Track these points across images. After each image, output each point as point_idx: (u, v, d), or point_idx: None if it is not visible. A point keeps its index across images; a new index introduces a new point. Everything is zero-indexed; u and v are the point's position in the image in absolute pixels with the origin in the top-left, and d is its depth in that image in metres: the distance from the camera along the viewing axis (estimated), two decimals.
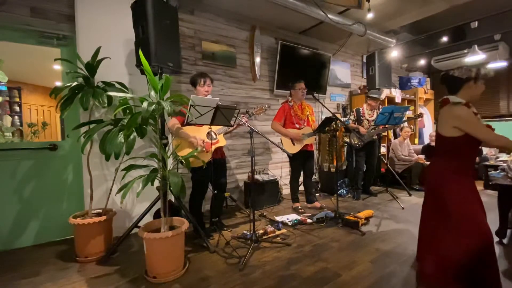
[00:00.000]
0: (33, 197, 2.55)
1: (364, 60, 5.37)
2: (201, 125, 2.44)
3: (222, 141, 2.66)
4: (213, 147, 2.53)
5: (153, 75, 1.94)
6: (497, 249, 2.24)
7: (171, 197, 2.69)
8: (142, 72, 2.41)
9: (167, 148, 2.30)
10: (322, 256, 2.20)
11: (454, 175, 1.63)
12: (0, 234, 2.43)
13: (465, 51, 5.34)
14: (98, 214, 2.36)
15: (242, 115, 2.74)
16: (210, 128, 2.47)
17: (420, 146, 5.32)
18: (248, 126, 2.46)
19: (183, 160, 2.11)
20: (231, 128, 2.75)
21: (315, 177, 4.51)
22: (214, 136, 2.58)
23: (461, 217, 1.55)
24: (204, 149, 2.48)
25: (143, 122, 2.00)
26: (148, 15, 2.27)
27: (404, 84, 6.21)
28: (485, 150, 5.12)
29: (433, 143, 5.01)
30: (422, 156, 4.71)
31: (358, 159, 4.00)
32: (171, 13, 2.47)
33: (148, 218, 2.38)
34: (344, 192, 4.16)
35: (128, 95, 2.20)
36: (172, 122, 2.50)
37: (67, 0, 2.63)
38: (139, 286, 1.85)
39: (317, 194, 4.17)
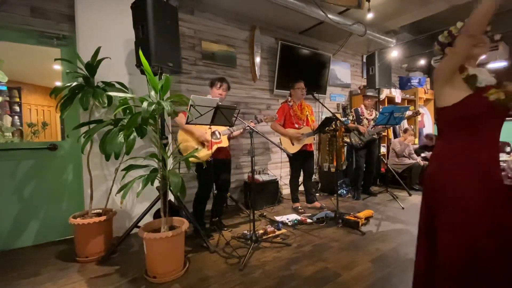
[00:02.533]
0: (33, 197, 2.55)
1: (364, 60, 5.37)
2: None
3: (224, 142, 2.67)
4: (214, 147, 2.55)
5: (153, 75, 1.94)
6: None
7: (171, 197, 2.69)
8: (142, 72, 2.41)
9: (167, 148, 2.30)
10: (322, 256, 2.20)
11: (452, 161, 1.24)
12: (0, 234, 2.43)
13: None
14: (98, 214, 2.36)
15: (250, 120, 2.79)
16: (210, 128, 2.47)
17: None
18: (248, 126, 2.46)
19: (182, 153, 2.12)
20: (237, 133, 2.79)
21: (315, 177, 4.51)
22: (218, 136, 2.61)
23: (454, 220, 1.20)
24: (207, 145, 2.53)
25: (143, 122, 2.00)
26: (148, 15, 2.27)
27: (404, 84, 6.21)
28: None
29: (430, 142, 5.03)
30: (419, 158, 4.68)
31: (358, 159, 4.00)
32: (171, 13, 2.47)
33: (148, 218, 2.38)
34: (344, 192, 4.16)
35: (128, 95, 2.20)
36: (182, 120, 2.45)
37: (67, 0, 2.63)
38: (139, 286, 1.85)
39: (317, 194, 4.17)
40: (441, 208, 1.25)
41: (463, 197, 1.19)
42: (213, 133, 2.59)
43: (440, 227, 1.24)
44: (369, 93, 3.97)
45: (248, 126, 2.55)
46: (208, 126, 2.43)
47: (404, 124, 5.69)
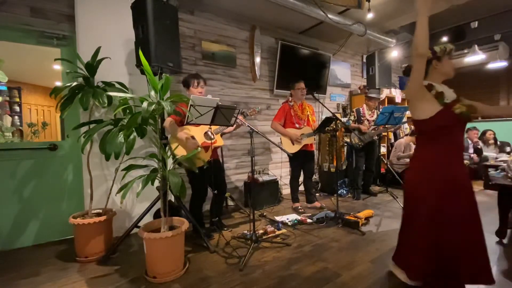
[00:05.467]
0: (33, 197, 2.55)
1: (364, 60, 5.38)
2: (199, 124, 2.43)
3: (219, 141, 2.65)
4: (212, 147, 2.53)
5: (153, 75, 1.94)
6: (497, 249, 2.24)
7: (171, 197, 2.69)
8: (142, 72, 2.41)
9: (167, 148, 2.30)
10: (322, 256, 2.20)
11: (428, 163, 1.57)
12: (0, 234, 2.43)
13: (465, 51, 5.35)
14: (98, 214, 2.36)
15: (238, 115, 2.72)
16: (210, 128, 2.47)
17: None
18: (248, 126, 2.45)
19: (181, 162, 2.10)
20: (230, 129, 2.75)
21: (315, 177, 4.51)
22: (212, 136, 2.58)
23: (408, 201, 1.67)
24: (201, 149, 2.48)
25: (143, 122, 2.00)
26: (148, 15, 2.27)
27: (404, 84, 6.21)
28: (485, 151, 5.12)
29: None
30: None
31: (358, 159, 4.00)
32: (171, 13, 2.47)
33: (148, 218, 2.38)
34: (344, 192, 4.16)
35: (128, 95, 2.20)
36: (166, 122, 2.41)
37: (67, 0, 2.63)
38: (139, 286, 1.85)
39: (317, 194, 4.17)
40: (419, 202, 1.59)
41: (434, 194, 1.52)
42: (205, 134, 2.54)
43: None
44: (372, 95, 3.95)
45: (242, 122, 2.54)
46: (198, 126, 2.41)
47: (405, 125, 5.69)
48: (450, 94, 1.53)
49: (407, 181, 1.68)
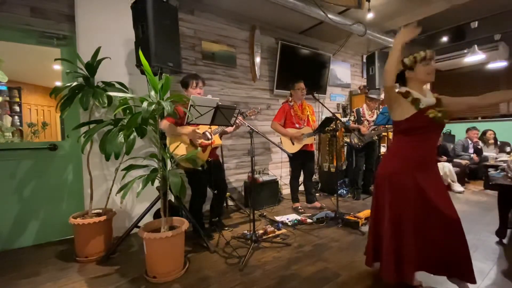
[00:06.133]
0: (33, 197, 2.55)
1: (364, 60, 5.37)
2: (197, 125, 2.43)
3: (217, 141, 2.65)
4: (211, 147, 2.53)
5: (153, 75, 1.94)
6: (497, 249, 2.24)
7: (171, 197, 2.69)
8: (142, 72, 2.41)
9: (167, 148, 2.30)
10: (322, 256, 2.20)
11: (393, 159, 1.71)
12: (0, 234, 2.43)
13: (465, 51, 5.35)
14: (98, 214, 2.36)
15: (237, 115, 2.72)
16: (210, 128, 2.46)
17: None
18: (248, 126, 2.46)
19: (179, 162, 2.10)
20: (230, 129, 2.75)
21: (315, 177, 4.51)
22: (210, 136, 2.57)
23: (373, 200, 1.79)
24: (202, 146, 2.47)
25: (143, 122, 1.99)
26: (148, 15, 2.27)
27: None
28: (486, 151, 5.12)
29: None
30: None
31: (358, 159, 4.00)
32: (171, 13, 2.47)
33: (148, 218, 2.38)
34: (344, 192, 4.16)
35: (128, 95, 2.20)
36: (164, 124, 2.36)
37: (67, 0, 2.63)
38: (139, 286, 1.85)
39: (317, 194, 4.17)
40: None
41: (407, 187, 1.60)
42: (203, 134, 2.52)
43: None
44: (373, 95, 3.94)
45: (242, 122, 2.54)
46: (196, 127, 2.40)
47: None
48: (427, 100, 1.61)
49: (379, 174, 1.74)
